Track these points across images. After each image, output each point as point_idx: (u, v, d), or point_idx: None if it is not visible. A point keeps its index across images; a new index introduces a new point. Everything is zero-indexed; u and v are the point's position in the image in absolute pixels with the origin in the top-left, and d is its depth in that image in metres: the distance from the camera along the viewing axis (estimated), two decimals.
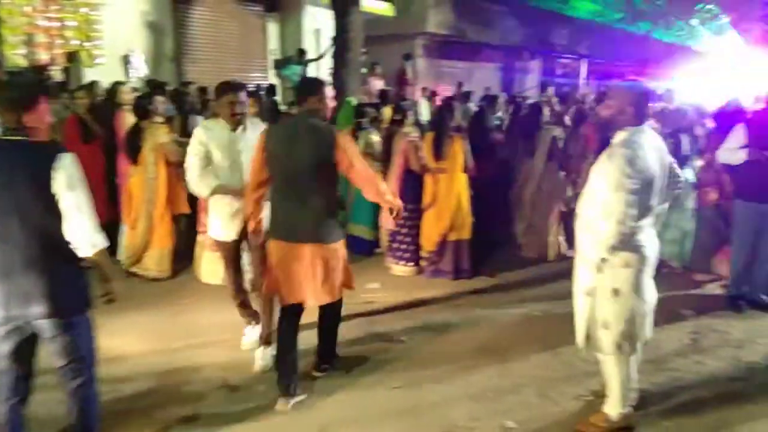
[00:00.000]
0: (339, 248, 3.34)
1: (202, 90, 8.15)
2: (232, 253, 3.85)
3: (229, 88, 3.69)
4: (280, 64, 10.85)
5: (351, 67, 8.91)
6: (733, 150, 4.53)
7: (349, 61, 8.88)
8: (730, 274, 4.92)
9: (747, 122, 4.65)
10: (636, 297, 2.94)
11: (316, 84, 3.39)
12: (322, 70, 11.00)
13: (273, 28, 11.77)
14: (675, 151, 5.35)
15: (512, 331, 4.41)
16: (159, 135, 5.28)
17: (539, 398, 3.49)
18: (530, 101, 10.04)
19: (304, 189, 3.19)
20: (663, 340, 4.19)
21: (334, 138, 3.16)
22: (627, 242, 2.83)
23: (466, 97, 10.26)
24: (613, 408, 3.13)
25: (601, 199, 2.79)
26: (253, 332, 4.02)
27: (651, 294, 3.04)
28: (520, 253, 6.25)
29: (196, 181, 3.67)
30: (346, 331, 4.06)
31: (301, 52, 10.72)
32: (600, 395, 3.32)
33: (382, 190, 3.31)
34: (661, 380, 3.69)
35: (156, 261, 5.36)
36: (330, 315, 3.61)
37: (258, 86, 8.93)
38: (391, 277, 5.60)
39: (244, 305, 4.02)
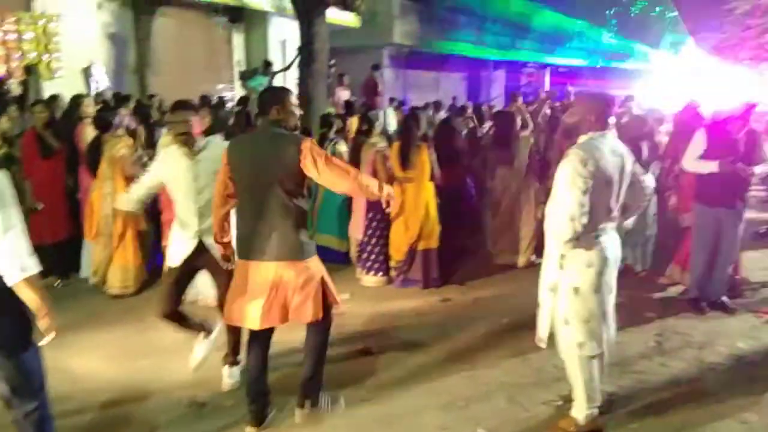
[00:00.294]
0: (312, 265, 3.10)
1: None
2: (173, 279, 3.55)
3: (176, 107, 3.54)
4: (246, 76, 10.79)
5: (317, 78, 8.90)
6: (704, 162, 4.64)
7: (315, 72, 8.87)
8: (690, 276, 5.04)
9: (707, 128, 4.80)
10: (595, 297, 3.02)
11: (278, 93, 3.23)
12: (288, 81, 10.97)
13: (238, 39, 11.72)
14: (635, 157, 5.49)
15: (482, 338, 4.44)
16: (117, 148, 5.18)
17: (509, 404, 3.51)
18: (497, 109, 10.20)
19: (269, 203, 2.99)
20: (628, 343, 4.26)
21: (298, 146, 2.95)
22: (586, 240, 2.94)
23: (436, 106, 10.36)
24: (580, 411, 3.18)
25: (559, 197, 2.96)
26: (203, 345, 3.74)
27: (611, 295, 3.12)
28: (491, 260, 6.30)
29: (125, 199, 3.67)
30: None
31: (267, 64, 10.69)
32: (569, 400, 3.36)
33: (364, 184, 3.03)
34: (627, 383, 3.75)
35: (120, 277, 5.24)
36: (313, 337, 3.24)
37: (220, 98, 8.85)
38: (361, 288, 5.59)
39: (180, 321, 3.64)
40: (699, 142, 4.72)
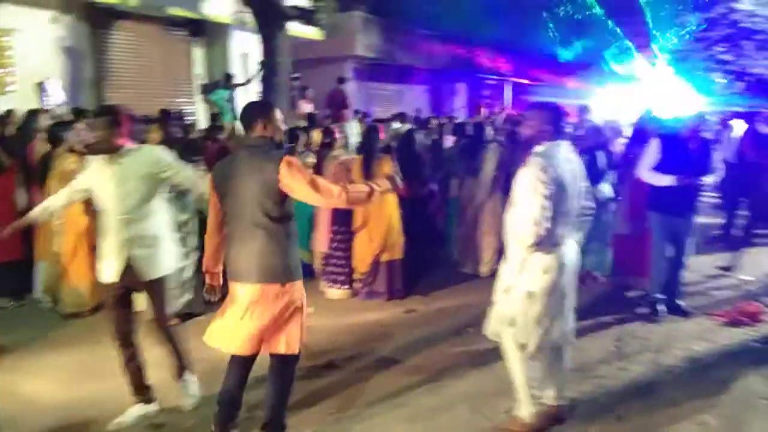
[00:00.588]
0: (294, 290, 2.99)
1: None
2: (111, 299, 3.37)
3: (95, 116, 3.47)
4: (206, 89, 10.66)
5: (279, 91, 8.88)
6: (659, 175, 4.77)
7: (277, 85, 8.84)
8: (650, 281, 5.15)
9: (661, 139, 4.92)
10: (547, 301, 3.11)
11: (261, 108, 3.11)
12: (250, 94, 10.90)
13: (198, 53, 11.59)
14: (590, 166, 5.61)
15: (445, 349, 4.45)
16: (68, 163, 5.05)
17: (473, 414, 3.52)
18: (459, 120, 10.33)
19: (252, 224, 2.91)
20: (588, 349, 4.34)
21: (277, 164, 2.84)
22: (545, 246, 3.04)
23: (400, 118, 10.42)
24: (523, 409, 3.27)
25: (520, 203, 3.07)
26: (134, 411, 3.46)
27: (566, 300, 3.21)
28: (456, 270, 6.33)
29: (38, 209, 3.53)
30: None
31: (228, 77, 10.60)
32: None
33: (353, 199, 2.93)
34: (587, 388, 3.81)
35: (73, 296, 5.09)
36: (280, 367, 3.09)
37: (172, 112, 8.72)
38: (326, 301, 5.55)
39: (130, 367, 3.44)
40: (653, 152, 4.86)
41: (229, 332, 3.00)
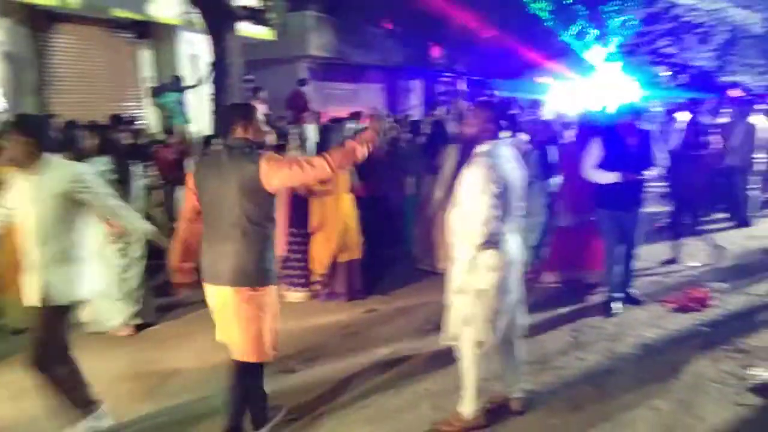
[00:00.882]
0: (266, 295, 2.99)
1: (71, 123, 7.63)
2: (33, 326, 3.14)
3: (10, 129, 3.20)
4: (155, 92, 10.41)
5: (232, 92, 8.72)
6: (603, 173, 4.85)
7: (229, 87, 8.69)
8: (606, 281, 5.18)
9: (602, 137, 5.00)
10: (498, 298, 3.17)
11: (244, 109, 3.11)
12: (202, 97, 10.69)
13: (146, 55, 11.30)
14: (542, 161, 5.71)
15: (407, 348, 4.46)
16: (3, 173, 4.83)
17: (435, 412, 3.53)
18: (414, 119, 10.36)
19: (228, 226, 2.92)
20: (547, 341, 4.42)
21: (257, 164, 2.87)
22: (493, 244, 3.08)
23: (357, 117, 10.37)
24: (467, 406, 3.31)
25: (468, 203, 3.09)
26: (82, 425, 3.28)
27: (513, 295, 3.28)
28: (416, 267, 6.35)
29: None
30: None
31: (178, 79, 10.37)
32: (494, 401, 3.45)
33: (336, 164, 2.91)
34: (547, 379, 3.88)
35: (17, 312, 4.88)
36: (239, 377, 3.07)
37: (116, 117, 8.49)
38: (285, 304, 5.45)
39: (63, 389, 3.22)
40: (595, 150, 4.95)
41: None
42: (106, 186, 3.39)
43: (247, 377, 3.09)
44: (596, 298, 5.26)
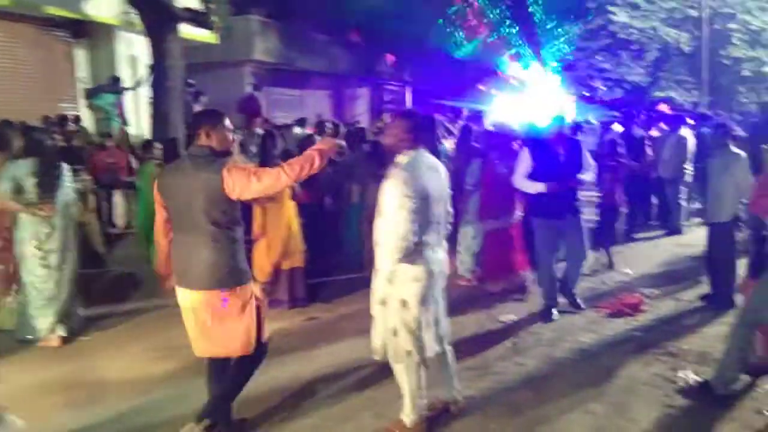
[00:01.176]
0: (242, 294, 3.06)
1: (4, 123, 7.22)
2: None
3: None
4: (90, 94, 10.03)
5: (173, 96, 8.50)
6: (532, 183, 4.97)
7: (169, 90, 8.46)
8: (540, 287, 5.30)
9: (531, 147, 5.10)
10: (422, 308, 3.17)
11: (207, 117, 3.13)
12: (141, 99, 10.38)
13: (82, 55, 10.89)
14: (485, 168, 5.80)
15: (348, 356, 4.41)
16: None
17: (377, 420, 3.51)
18: (360, 126, 10.36)
19: (196, 232, 2.97)
20: (486, 347, 4.48)
21: (219, 173, 2.89)
22: (412, 256, 3.07)
23: (300, 123, 10.29)
24: (407, 415, 3.30)
25: (387, 216, 3.07)
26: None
27: (439, 306, 3.30)
28: (361, 275, 6.29)
29: None
30: None
31: (115, 80, 10.03)
32: (434, 407, 3.46)
33: (296, 173, 2.93)
34: (486, 384, 3.92)
35: None
36: (239, 367, 3.24)
37: (56, 118, 8.14)
38: None
39: None
40: (525, 160, 5.06)
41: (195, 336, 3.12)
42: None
43: (241, 367, 3.21)
44: (533, 303, 5.36)
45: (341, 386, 3.94)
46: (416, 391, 3.27)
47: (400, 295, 3.13)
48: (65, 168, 4.83)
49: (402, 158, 3.14)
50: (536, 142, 5.19)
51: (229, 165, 2.95)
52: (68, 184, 4.81)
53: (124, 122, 9.93)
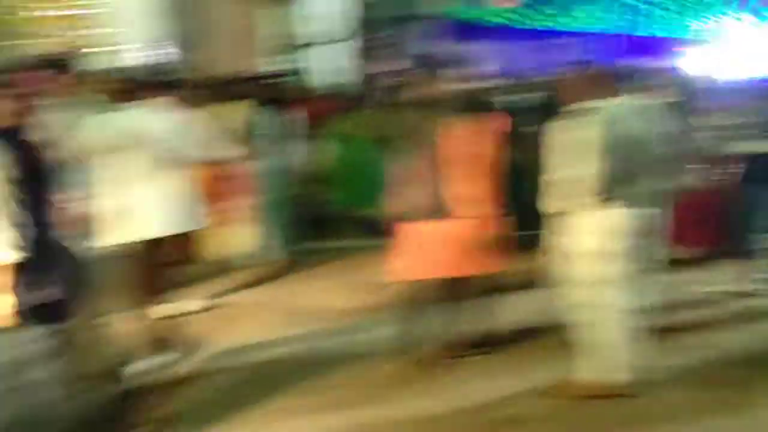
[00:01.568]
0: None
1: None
2: None
3: None
4: (300, 48, 10.39)
5: (377, 49, 8.57)
6: None
7: (375, 43, 8.50)
8: None
9: None
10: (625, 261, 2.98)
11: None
12: (342, 53, 10.57)
13: (276, 14, 11.00)
14: None
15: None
16: None
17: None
18: None
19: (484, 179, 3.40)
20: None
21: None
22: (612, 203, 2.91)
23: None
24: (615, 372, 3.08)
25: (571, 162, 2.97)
26: None
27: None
28: None
29: None
30: None
31: (320, 35, 10.30)
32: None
33: None
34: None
35: None
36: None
37: None
38: None
39: None
40: None
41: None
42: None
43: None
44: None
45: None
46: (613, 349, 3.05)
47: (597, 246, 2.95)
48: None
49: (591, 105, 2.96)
50: None
51: None
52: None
53: (337, 75, 10.16)
